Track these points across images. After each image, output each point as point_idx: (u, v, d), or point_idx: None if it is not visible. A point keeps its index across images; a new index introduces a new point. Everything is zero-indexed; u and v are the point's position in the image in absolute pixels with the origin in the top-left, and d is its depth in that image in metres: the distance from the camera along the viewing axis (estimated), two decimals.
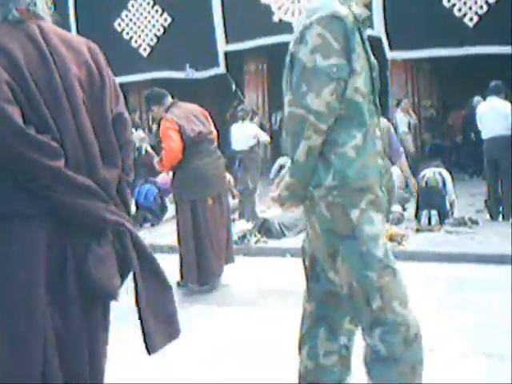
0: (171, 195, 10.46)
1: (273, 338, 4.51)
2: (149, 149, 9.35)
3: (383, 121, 7.25)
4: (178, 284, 5.93)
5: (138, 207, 10.40)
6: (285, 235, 8.70)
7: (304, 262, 2.75)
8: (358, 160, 2.51)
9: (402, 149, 7.63)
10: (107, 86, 2.32)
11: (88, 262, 2.19)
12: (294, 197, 2.58)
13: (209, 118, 6.10)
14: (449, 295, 5.48)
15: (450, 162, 14.28)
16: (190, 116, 5.82)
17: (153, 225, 10.27)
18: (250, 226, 9.22)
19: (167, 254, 6.98)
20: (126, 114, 2.42)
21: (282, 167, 14.26)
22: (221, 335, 4.68)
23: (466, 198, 10.73)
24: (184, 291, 5.89)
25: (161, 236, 9.01)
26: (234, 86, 15.81)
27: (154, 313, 2.32)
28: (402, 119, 12.02)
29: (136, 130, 12.00)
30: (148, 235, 9.47)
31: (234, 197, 11.02)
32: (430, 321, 4.40)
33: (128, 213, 2.41)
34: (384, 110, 15.52)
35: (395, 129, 12.16)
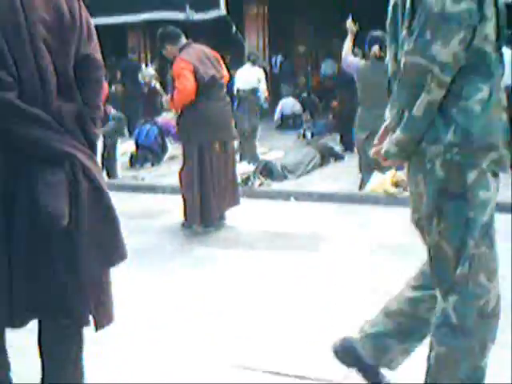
0: (171, 136, 10.49)
1: (276, 281, 4.50)
2: (157, 86, 9.23)
3: None
4: (183, 225, 5.91)
5: (138, 147, 10.32)
6: (287, 178, 8.68)
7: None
8: (484, 115, 2.30)
9: None
10: (76, 29, 2.48)
11: (38, 188, 2.33)
12: (403, 153, 2.38)
13: (221, 61, 6.01)
14: None
15: None
16: (203, 58, 5.73)
17: (153, 164, 10.20)
18: (251, 168, 9.20)
19: (169, 194, 6.96)
20: (96, 56, 2.55)
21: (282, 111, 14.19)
22: (224, 277, 4.65)
23: None
24: (188, 233, 5.86)
25: (162, 176, 8.97)
26: (234, 29, 15.55)
27: (94, 240, 2.44)
28: None
29: (146, 66, 11.85)
30: (148, 175, 9.43)
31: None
32: None
33: (90, 145, 2.53)
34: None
35: None
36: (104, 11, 15.60)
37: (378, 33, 7.07)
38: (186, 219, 5.89)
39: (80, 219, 2.39)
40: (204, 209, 5.77)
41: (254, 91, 9.99)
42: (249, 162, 9.43)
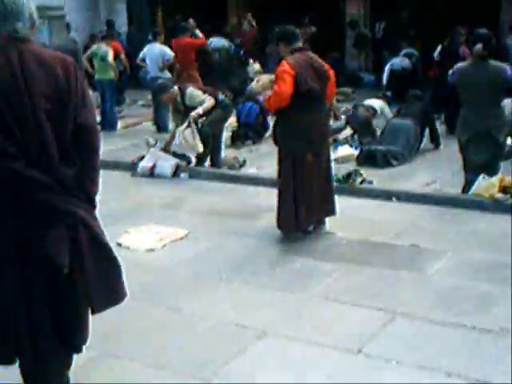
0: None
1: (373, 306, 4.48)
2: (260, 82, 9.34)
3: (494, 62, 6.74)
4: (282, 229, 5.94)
5: (240, 124, 10.38)
6: (392, 165, 8.53)
7: None
8: None
9: None
10: (73, 97, 2.83)
11: (44, 242, 2.82)
12: None
13: (330, 72, 5.90)
14: None
15: None
16: (309, 68, 5.66)
17: (254, 142, 10.25)
18: (353, 151, 9.09)
19: (270, 187, 6.93)
20: (91, 121, 2.92)
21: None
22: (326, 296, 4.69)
23: None
24: (285, 240, 5.85)
25: (263, 156, 9.00)
26: None
27: (99, 281, 2.93)
28: None
29: (254, 62, 11.81)
30: (249, 154, 9.50)
31: (336, 118, 10.87)
32: None
33: (90, 201, 2.97)
34: (494, 26, 14.58)
35: (508, 52, 11.41)
36: None
37: (482, 30, 6.72)
38: (278, 225, 5.91)
39: (81, 266, 2.88)
40: (299, 216, 5.78)
41: None
42: (350, 145, 9.32)
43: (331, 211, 6.01)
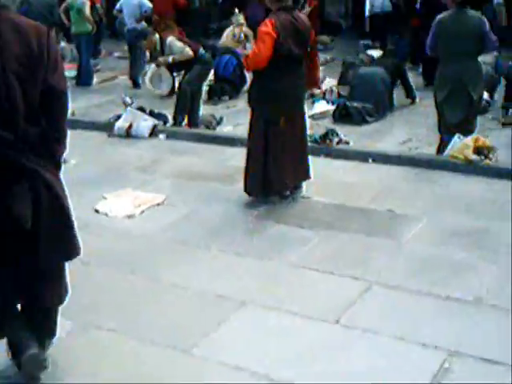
0: None
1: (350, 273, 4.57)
2: (242, 35, 9.30)
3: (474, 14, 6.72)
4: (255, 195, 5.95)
5: (217, 78, 10.28)
6: (367, 121, 8.55)
7: None
8: None
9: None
10: (44, 61, 3.00)
11: (6, 198, 3.00)
12: None
13: (312, 34, 5.83)
14: None
15: None
16: (292, 30, 5.57)
17: (231, 97, 10.19)
18: (330, 107, 9.09)
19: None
20: (60, 85, 3.07)
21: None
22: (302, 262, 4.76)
23: None
24: (261, 210, 5.80)
25: (238, 112, 8.97)
26: None
27: (51, 236, 3.11)
28: None
29: (240, 12, 11.64)
30: (226, 110, 9.47)
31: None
32: None
33: (54, 161, 3.15)
34: None
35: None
36: None
37: None
38: (245, 189, 5.93)
39: (40, 223, 3.07)
40: (272, 180, 5.80)
41: None
42: (328, 102, 9.31)
43: (306, 175, 6.04)
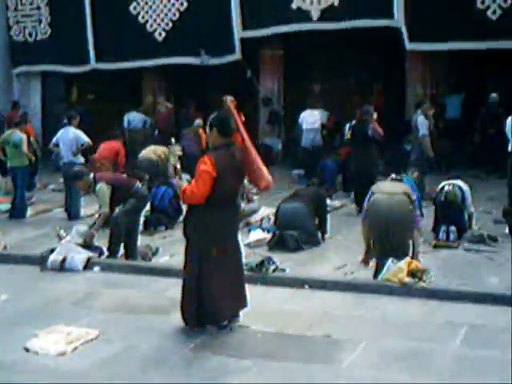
0: None
1: None
2: (178, 166, 9.45)
3: (401, 187, 7.12)
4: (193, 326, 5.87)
5: (153, 209, 10.33)
6: (303, 249, 8.64)
7: None
8: None
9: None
10: None
11: None
12: None
13: (245, 165, 5.91)
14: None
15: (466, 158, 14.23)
16: (230, 167, 5.70)
17: (167, 228, 10.21)
18: (266, 235, 9.17)
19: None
20: None
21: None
22: None
23: (483, 204, 10.63)
24: (198, 341, 5.66)
25: (174, 242, 8.96)
26: (249, 73, 15.63)
27: None
28: (423, 122, 11.84)
29: (177, 143, 11.94)
30: (162, 240, 9.45)
31: (249, 200, 11.00)
32: None
33: None
34: (400, 105, 15.30)
35: (416, 129, 12.02)
36: (121, 56, 15.85)
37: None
38: (184, 320, 5.87)
39: None
40: (208, 310, 5.77)
41: None
42: (263, 230, 9.40)
43: (243, 304, 6.01)
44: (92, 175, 8.45)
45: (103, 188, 8.14)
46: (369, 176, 10.03)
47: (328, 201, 10.07)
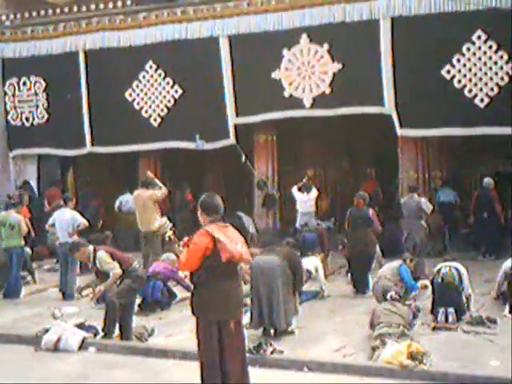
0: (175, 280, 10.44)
1: None
2: (172, 236, 9.45)
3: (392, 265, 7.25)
4: None
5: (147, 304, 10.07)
6: (293, 333, 8.47)
7: None
8: None
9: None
10: None
11: None
12: None
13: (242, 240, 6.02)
14: None
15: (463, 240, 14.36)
16: (225, 233, 5.78)
17: (162, 308, 10.08)
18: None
19: (180, 359, 6.79)
20: None
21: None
22: None
23: (480, 286, 10.61)
24: None
25: (170, 325, 8.86)
26: (243, 157, 15.84)
27: None
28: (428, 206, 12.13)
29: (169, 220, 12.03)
30: (158, 321, 9.30)
31: (245, 282, 10.91)
32: None
33: None
34: (393, 189, 15.52)
35: (409, 212, 12.10)
36: (117, 140, 16.09)
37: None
38: None
39: None
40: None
41: None
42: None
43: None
44: (91, 247, 8.43)
45: (103, 254, 8.14)
46: (367, 259, 10.07)
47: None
